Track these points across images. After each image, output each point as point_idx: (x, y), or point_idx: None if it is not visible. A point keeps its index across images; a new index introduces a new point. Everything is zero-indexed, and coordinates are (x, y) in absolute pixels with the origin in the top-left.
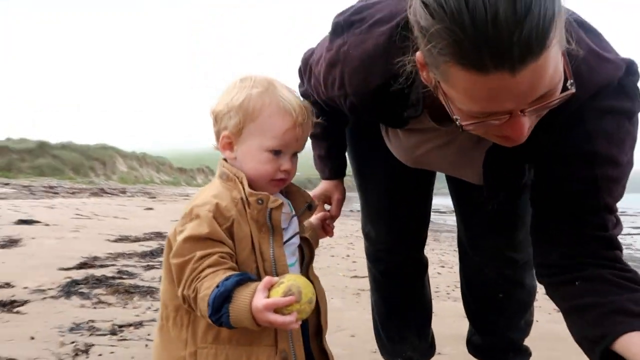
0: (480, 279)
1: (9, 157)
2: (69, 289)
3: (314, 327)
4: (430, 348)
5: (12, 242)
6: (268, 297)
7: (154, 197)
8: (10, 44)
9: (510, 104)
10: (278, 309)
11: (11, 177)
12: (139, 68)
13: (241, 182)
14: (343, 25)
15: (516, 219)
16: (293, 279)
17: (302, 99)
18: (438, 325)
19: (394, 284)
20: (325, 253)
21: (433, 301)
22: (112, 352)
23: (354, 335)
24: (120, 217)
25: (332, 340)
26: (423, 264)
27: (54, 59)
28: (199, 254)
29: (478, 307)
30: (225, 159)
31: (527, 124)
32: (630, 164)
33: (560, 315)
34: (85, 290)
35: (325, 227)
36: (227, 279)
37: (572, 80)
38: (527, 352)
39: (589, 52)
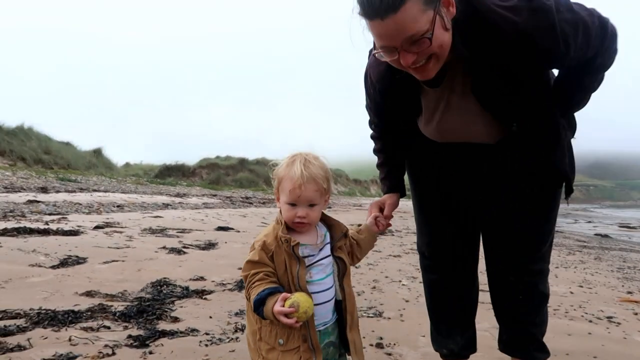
0: (504, 285)
1: (217, 173)
2: (242, 284)
3: (344, 321)
4: (471, 345)
5: (210, 245)
6: (283, 306)
7: (330, 207)
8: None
9: (389, 41)
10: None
11: (218, 189)
12: (319, 87)
13: (282, 226)
14: (371, 50)
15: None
16: (297, 297)
17: (306, 172)
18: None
19: (443, 292)
20: None
21: None
22: None
23: None
24: None
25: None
26: (471, 281)
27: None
28: (252, 271)
29: (504, 308)
30: None
31: (411, 58)
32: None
33: None
34: None
35: (377, 223)
36: (263, 291)
37: (431, 32)
38: (545, 348)
39: (495, 5)
